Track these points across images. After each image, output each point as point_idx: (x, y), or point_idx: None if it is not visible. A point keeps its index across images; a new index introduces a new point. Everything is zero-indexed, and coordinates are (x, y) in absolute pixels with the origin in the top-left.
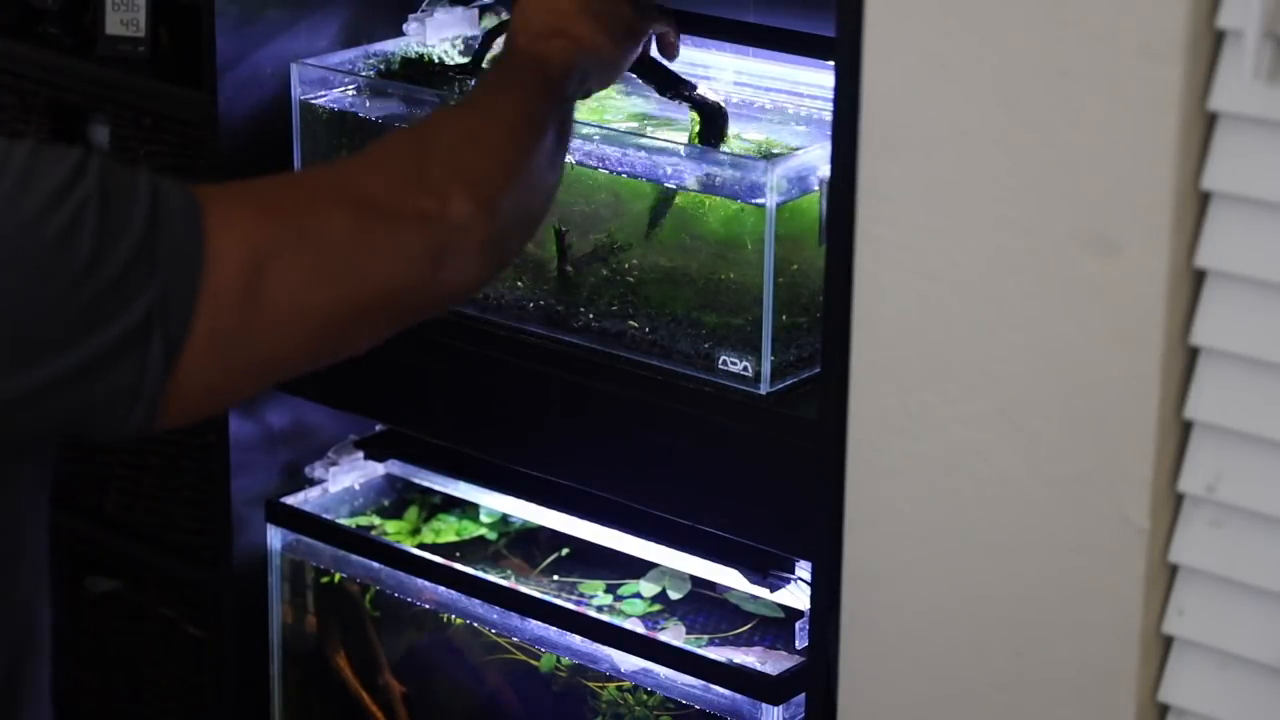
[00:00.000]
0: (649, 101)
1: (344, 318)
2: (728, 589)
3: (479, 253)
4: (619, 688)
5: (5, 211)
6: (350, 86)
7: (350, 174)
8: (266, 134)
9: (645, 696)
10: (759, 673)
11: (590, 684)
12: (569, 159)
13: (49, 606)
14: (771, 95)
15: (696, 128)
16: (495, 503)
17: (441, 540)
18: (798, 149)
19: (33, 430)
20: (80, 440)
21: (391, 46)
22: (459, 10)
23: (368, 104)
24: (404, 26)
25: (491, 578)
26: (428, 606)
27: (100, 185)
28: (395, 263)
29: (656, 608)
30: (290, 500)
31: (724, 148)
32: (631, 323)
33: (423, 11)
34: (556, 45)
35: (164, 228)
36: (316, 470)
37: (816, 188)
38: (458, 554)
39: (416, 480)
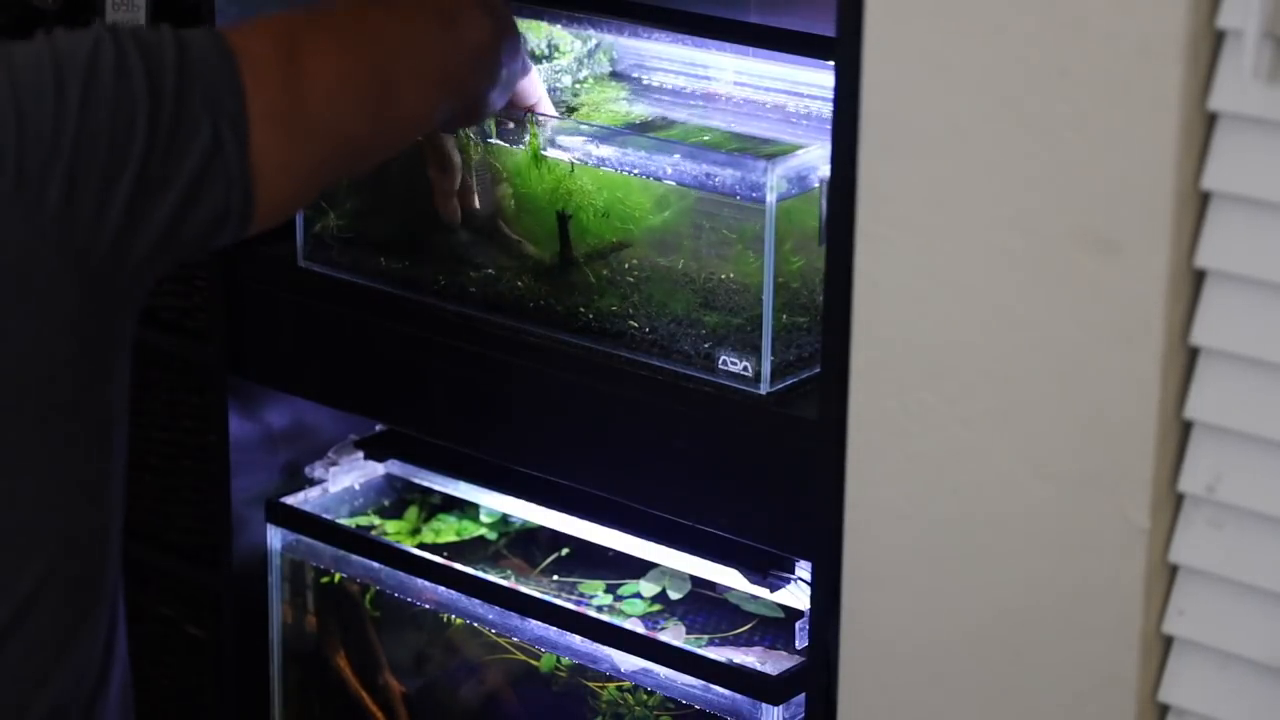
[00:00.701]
0: (649, 105)
1: (379, 79)
2: (728, 589)
3: (479, 4)
4: (619, 688)
5: (71, 61)
6: None
7: None
8: None
9: (645, 696)
10: (759, 673)
11: (590, 684)
12: (566, 157)
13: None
14: (771, 95)
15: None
16: (495, 503)
17: (441, 540)
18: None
19: (161, 254)
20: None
21: None
22: None
23: None
24: None
25: (491, 578)
26: (428, 606)
27: (130, 31)
28: (402, 23)
29: (656, 608)
30: (290, 500)
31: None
32: (631, 323)
33: None
34: None
35: (191, 46)
36: (316, 470)
37: (816, 187)
38: (447, 553)
39: (416, 480)
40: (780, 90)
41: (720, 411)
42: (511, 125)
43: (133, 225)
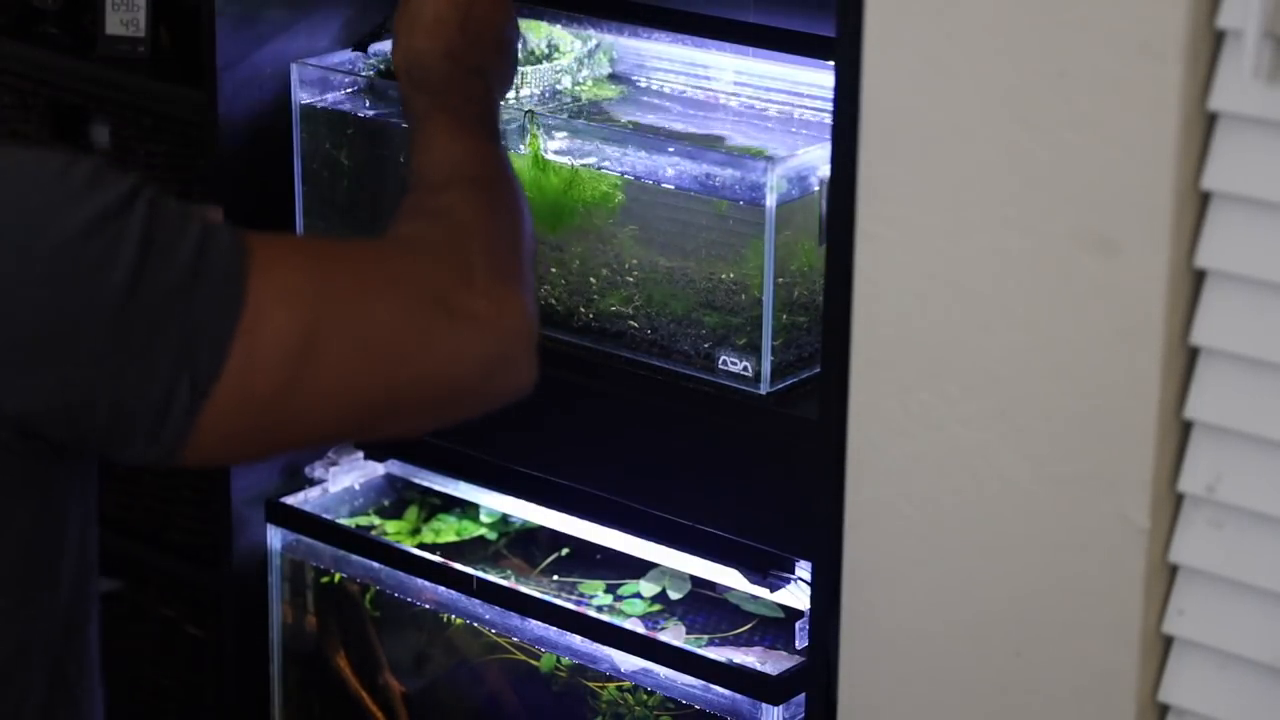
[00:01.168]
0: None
1: (385, 405)
2: (728, 589)
3: (530, 354)
4: (619, 688)
5: (53, 222)
6: (350, 87)
7: (406, 259)
8: (266, 134)
9: (645, 696)
10: (759, 673)
11: (590, 684)
12: (570, 161)
13: (96, 608)
14: (771, 96)
15: None
16: (495, 503)
17: (441, 540)
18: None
19: (57, 437)
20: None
21: (390, 46)
22: None
23: (367, 104)
24: None
25: (491, 578)
26: (428, 606)
27: (145, 221)
28: (447, 360)
29: (656, 608)
30: (290, 500)
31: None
32: (631, 323)
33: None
34: (477, 87)
35: (205, 273)
36: (316, 470)
37: (816, 188)
38: (447, 553)
39: (416, 480)
40: (780, 91)
41: (720, 412)
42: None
43: (43, 408)
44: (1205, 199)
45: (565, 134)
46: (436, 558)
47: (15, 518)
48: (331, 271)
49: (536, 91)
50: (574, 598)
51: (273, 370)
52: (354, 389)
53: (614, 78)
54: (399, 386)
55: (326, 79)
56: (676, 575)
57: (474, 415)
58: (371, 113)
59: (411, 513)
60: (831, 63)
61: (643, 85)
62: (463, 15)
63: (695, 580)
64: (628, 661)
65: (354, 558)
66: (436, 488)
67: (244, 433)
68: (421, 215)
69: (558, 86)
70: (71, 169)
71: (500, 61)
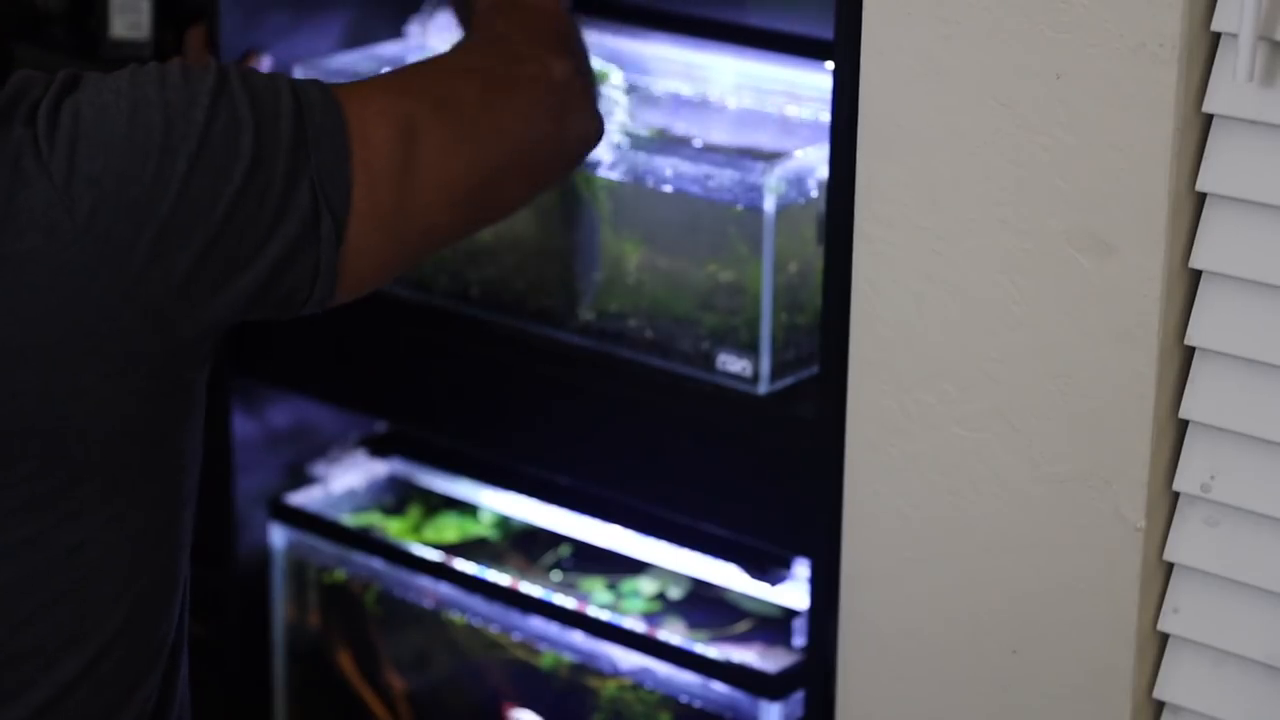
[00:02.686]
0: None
1: (487, 178)
2: (727, 587)
3: (588, 102)
4: (619, 685)
5: (184, 124)
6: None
7: (458, 58)
8: None
9: (645, 694)
10: (758, 670)
11: (591, 681)
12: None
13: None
14: (770, 97)
15: None
16: (497, 501)
17: (443, 539)
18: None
19: (231, 318)
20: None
21: (393, 49)
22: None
23: None
24: (405, 29)
25: (493, 576)
26: (430, 605)
27: (245, 86)
28: (521, 121)
29: (656, 605)
30: (293, 498)
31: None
32: (631, 322)
33: (424, 13)
34: None
35: (308, 115)
36: (319, 469)
37: (815, 189)
38: (449, 552)
39: (419, 479)
40: (779, 92)
41: (719, 411)
42: None
43: (213, 294)
44: (1201, 200)
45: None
46: (438, 556)
47: (178, 431)
48: (405, 80)
49: None
50: (575, 596)
51: (389, 178)
52: (456, 171)
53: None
54: (491, 157)
55: (328, 77)
56: (676, 573)
57: (562, 173)
58: None
59: (414, 511)
60: (830, 64)
61: (642, 86)
62: None
63: (695, 578)
64: (628, 659)
65: (356, 556)
66: (438, 486)
67: (383, 248)
68: (465, 41)
69: None
70: (168, 73)
71: None
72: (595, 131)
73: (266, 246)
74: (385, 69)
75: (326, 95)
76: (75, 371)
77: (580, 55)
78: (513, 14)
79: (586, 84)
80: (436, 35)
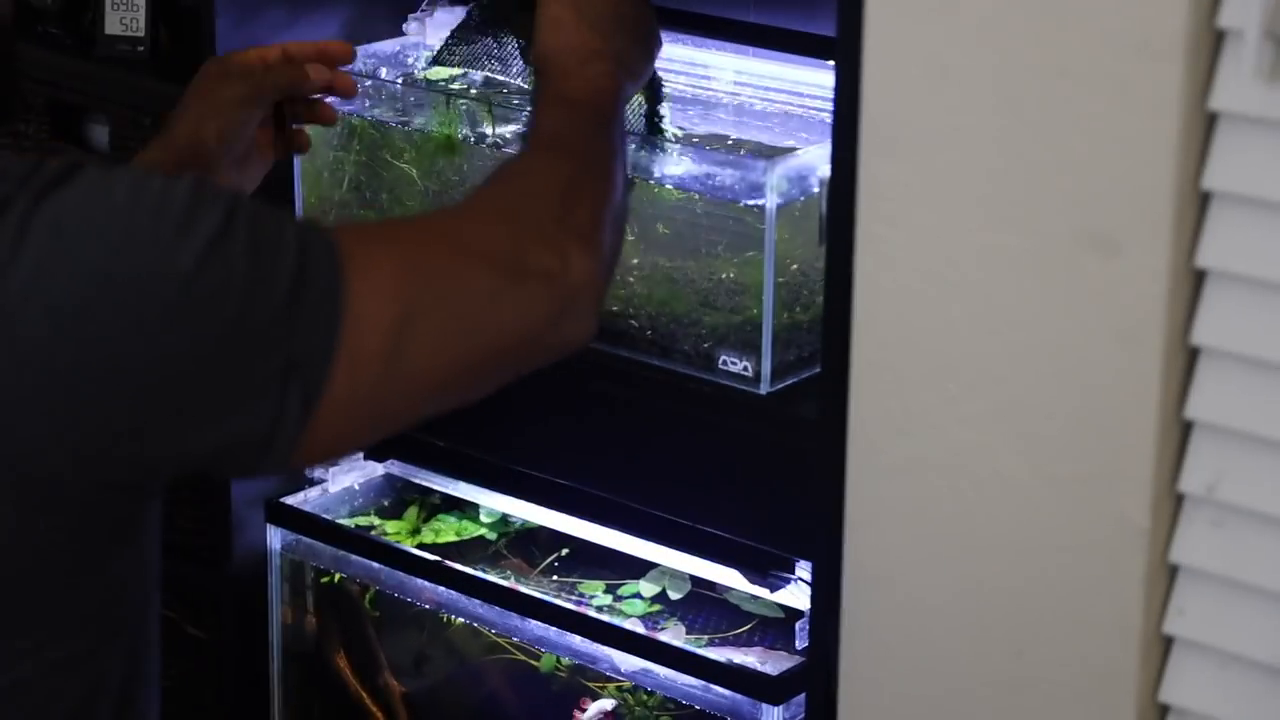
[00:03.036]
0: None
1: (471, 373)
2: (728, 589)
3: (593, 306)
4: (619, 688)
5: (163, 262)
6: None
7: (480, 226)
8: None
9: (645, 697)
10: (759, 673)
11: (590, 684)
12: None
13: (158, 626)
14: (772, 95)
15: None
16: (495, 503)
17: (441, 540)
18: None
19: (168, 473)
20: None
21: (391, 46)
22: (460, 10)
23: (367, 103)
24: (404, 26)
25: (491, 578)
26: (427, 607)
27: (250, 236)
28: (520, 320)
29: (656, 608)
30: (290, 500)
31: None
32: (632, 322)
33: (422, 11)
34: (597, 70)
35: (307, 284)
36: (316, 470)
37: (816, 187)
38: (447, 553)
39: (416, 480)
40: (780, 90)
41: (720, 412)
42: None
43: (155, 448)
44: (1206, 199)
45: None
46: (436, 558)
47: (110, 563)
48: (416, 259)
49: None
50: (574, 598)
51: (374, 365)
52: (442, 364)
53: None
54: (484, 351)
55: None
56: (676, 575)
57: (541, 365)
58: (371, 112)
59: (411, 513)
60: (832, 62)
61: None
62: (576, 12)
63: (695, 580)
64: (628, 661)
65: (354, 558)
66: (436, 487)
67: (352, 427)
68: (504, 175)
69: None
70: (169, 196)
71: (629, 47)
72: (587, 335)
73: (222, 416)
74: (382, 70)
75: (332, 266)
76: None
77: (611, 247)
78: (575, 168)
79: (601, 285)
80: (434, 33)
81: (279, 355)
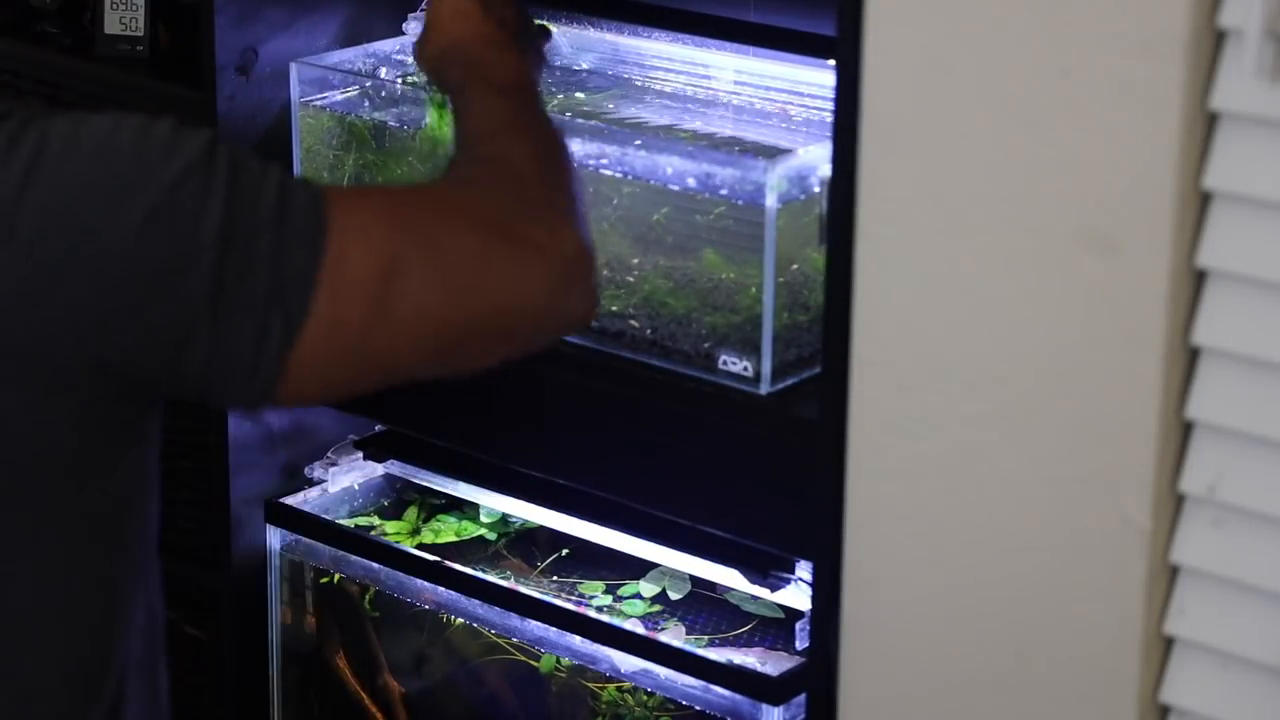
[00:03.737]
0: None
1: (461, 331)
2: (728, 589)
3: (590, 280)
4: (619, 688)
5: (142, 180)
6: (351, 86)
7: (466, 194)
8: (266, 134)
9: (645, 697)
10: (759, 673)
11: (590, 684)
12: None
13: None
14: (772, 95)
15: None
16: (494, 503)
17: (441, 540)
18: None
19: (157, 385)
20: (200, 405)
21: (391, 45)
22: None
23: (367, 104)
24: (404, 26)
25: (491, 578)
26: (427, 607)
27: (229, 170)
28: (515, 286)
29: (656, 608)
30: (289, 500)
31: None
32: (632, 322)
33: (422, 11)
34: (515, 57)
35: (289, 213)
36: (316, 470)
37: (817, 187)
38: (446, 554)
39: (416, 480)
40: (781, 90)
41: (720, 411)
42: None
43: (143, 350)
44: (1207, 198)
45: (566, 133)
46: (436, 558)
47: (115, 467)
48: (403, 209)
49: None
50: (574, 598)
51: (357, 303)
52: (432, 317)
53: (615, 77)
54: (472, 313)
55: (326, 78)
56: (676, 575)
57: (540, 343)
58: (371, 113)
59: (411, 513)
60: (832, 62)
61: (642, 84)
62: (483, 4)
63: (695, 580)
64: (627, 662)
65: (353, 558)
66: (436, 488)
67: (334, 367)
68: (473, 162)
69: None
70: (152, 128)
71: (529, 38)
72: (587, 313)
73: (209, 326)
74: (382, 70)
75: (315, 202)
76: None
77: (587, 224)
78: (539, 149)
79: (592, 259)
80: None
81: (261, 276)
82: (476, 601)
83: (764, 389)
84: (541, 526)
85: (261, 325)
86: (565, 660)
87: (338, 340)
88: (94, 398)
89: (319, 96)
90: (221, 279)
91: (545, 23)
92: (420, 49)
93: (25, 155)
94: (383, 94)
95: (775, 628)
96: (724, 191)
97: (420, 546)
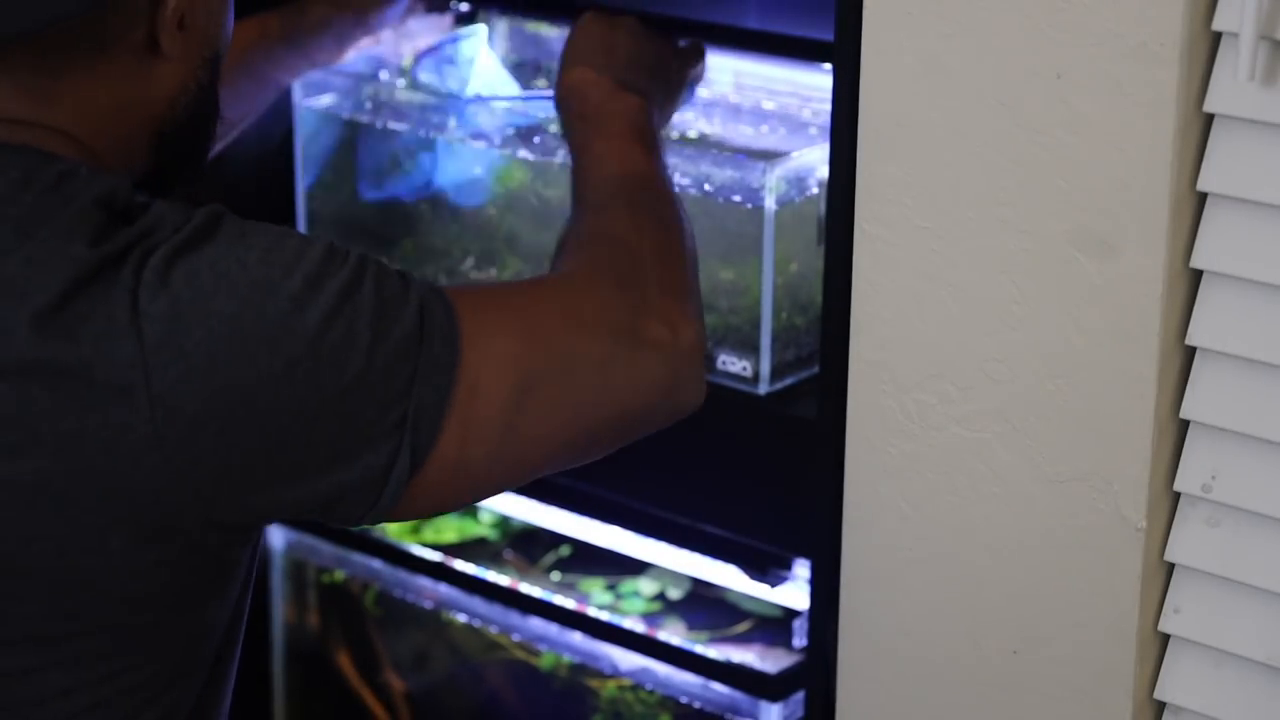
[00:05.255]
0: None
1: (584, 441)
2: (727, 587)
3: (701, 370)
4: (619, 685)
5: (291, 317)
6: (350, 88)
7: (590, 293)
8: (267, 136)
9: (645, 694)
10: (758, 671)
11: (590, 682)
12: (557, 160)
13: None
14: (772, 98)
15: None
16: (495, 503)
17: (443, 539)
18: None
19: (279, 518)
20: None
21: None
22: (433, 17)
23: (368, 105)
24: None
25: (492, 576)
26: (429, 605)
27: (376, 297)
28: (638, 387)
29: (656, 606)
30: None
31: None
32: None
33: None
34: (628, 103)
35: (426, 345)
36: None
37: (815, 189)
38: (448, 552)
39: None
40: (780, 93)
41: (719, 411)
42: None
43: (267, 492)
44: (1202, 200)
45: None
46: (438, 556)
47: (207, 602)
48: (532, 327)
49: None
50: (574, 596)
51: (486, 432)
52: (558, 434)
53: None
54: (596, 421)
55: (327, 79)
56: (676, 574)
57: (655, 429)
58: (371, 116)
59: None
60: (829, 65)
61: None
62: (606, 44)
63: (695, 579)
64: (628, 659)
65: (356, 556)
66: None
67: (456, 489)
68: (589, 243)
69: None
70: (303, 254)
71: (655, 85)
72: (698, 401)
73: (335, 467)
74: (383, 72)
75: (450, 324)
76: (103, 531)
77: (698, 292)
78: (655, 223)
79: (704, 347)
80: (407, 43)
81: (395, 411)
82: (478, 599)
83: (763, 389)
84: (542, 525)
85: (389, 460)
86: (566, 658)
87: (463, 468)
88: (198, 542)
89: (319, 97)
90: (356, 415)
91: (696, 41)
92: (556, 84)
93: (171, 298)
94: (383, 96)
95: (774, 625)
96: (723, 193)
97: (422, 545)
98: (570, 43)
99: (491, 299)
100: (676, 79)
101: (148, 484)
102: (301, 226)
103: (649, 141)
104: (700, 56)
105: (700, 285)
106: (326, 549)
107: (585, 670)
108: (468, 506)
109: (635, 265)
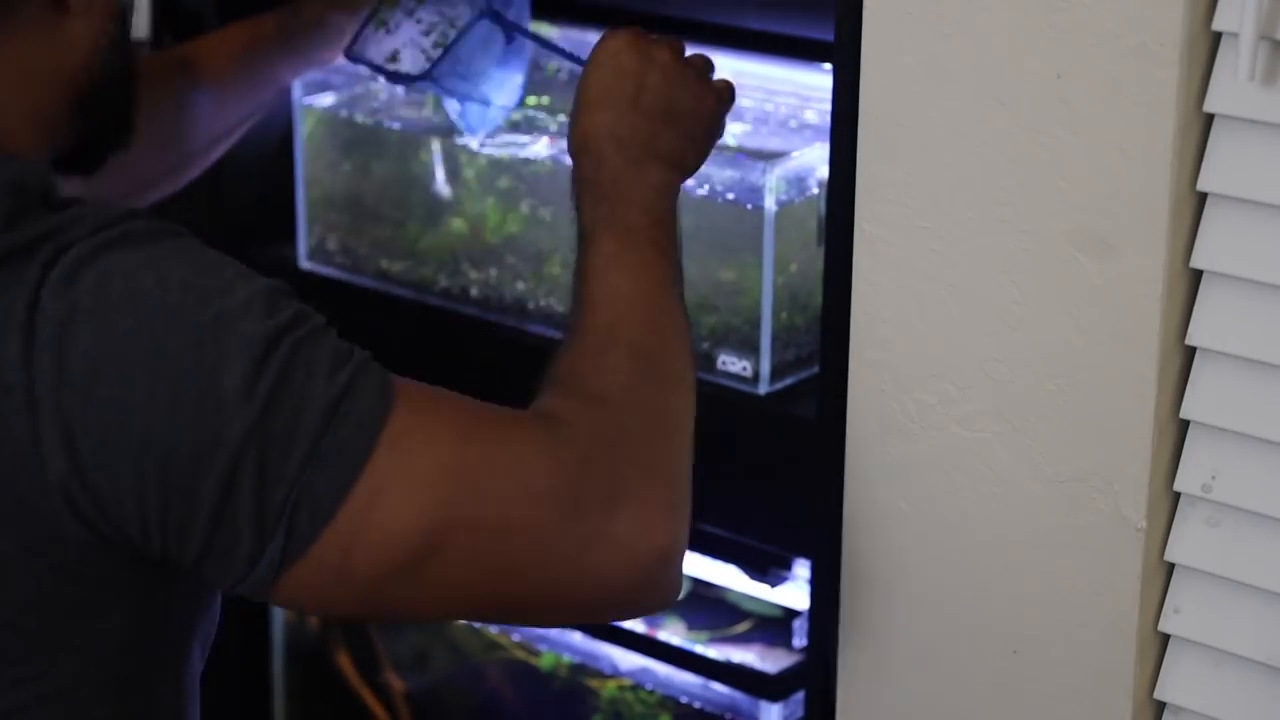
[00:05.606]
0: None
1: (499, 610)
2: (727, 587)
3: (672, 575)
4: (619, 686)
5: (187, 354)
6: (351, 88)
7: (555, 451)
8: (267, 136)
9: (645, 694)
10: (758, 671)
11: (590, 682)
12: (549, 163)
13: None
14: (771, 98)
15: None
16: None
17: None
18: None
19: (161, 554)
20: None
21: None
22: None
23: (369, 105)
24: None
25: None
26: None
27: (293, 359)
28: (580, 580)
29: None
30: None
31: None
32: None
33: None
34: (649, 180)
35: (335, 429)
36: None
37: (815, 189)
38: None
39: None
40: (780, 93)
41: (720, 412)
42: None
43: (134, 528)
44: (1202, 200)
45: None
46: None
47: (106, 620)
48: (468, 459)
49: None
50: None
51: (376, 553)
52: (465, 594)
53: None
54: (518, 596)
55: (327, 79)
56: None
57: (605, 624)
58: (373, 114)
59: None
60: (829, 65)
61: None
62: (635, 87)
63: (695, 579)
64: (628, 659)
65: None
66: None
67: (336, 599)
68: (576, 393)
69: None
70: (233, 291)
71: (679, 141)
72: (666, 604)
73: (204, 523)
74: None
75: (375, 416)
76: None
77: (687, 490)
78: (649, 407)
79: (682, 552)
80: (375, 49)
81: (278, 489)
82: None
83: (763, 389)
84: None
85: (262, 537)
86: (566, 658)
87: (344, 580)
88: (85, 553)
89: (320, 97)
90: (234, 475)
91: (727, 81)
92: (569, 129)
93: (73, 300)
94: (383, 96)
95: (774, 625)
96: (723, 193)
97: None
98: (592, 70)
99: (439, 407)
100: (709, 131)
101: (28, 485)
102: (301, 226)
103: (667, 240)
104: (733, 99)
105: (692, 465)
106: None
107: (585, 670)
108: (357, 621)
109: (618, 443)
